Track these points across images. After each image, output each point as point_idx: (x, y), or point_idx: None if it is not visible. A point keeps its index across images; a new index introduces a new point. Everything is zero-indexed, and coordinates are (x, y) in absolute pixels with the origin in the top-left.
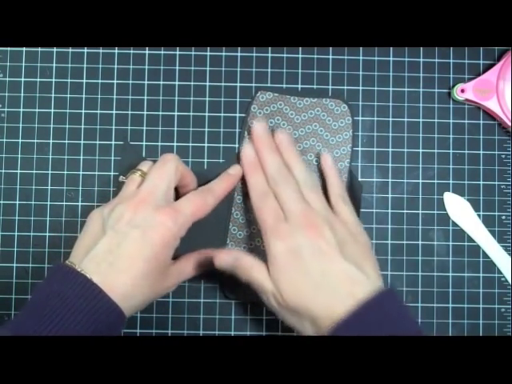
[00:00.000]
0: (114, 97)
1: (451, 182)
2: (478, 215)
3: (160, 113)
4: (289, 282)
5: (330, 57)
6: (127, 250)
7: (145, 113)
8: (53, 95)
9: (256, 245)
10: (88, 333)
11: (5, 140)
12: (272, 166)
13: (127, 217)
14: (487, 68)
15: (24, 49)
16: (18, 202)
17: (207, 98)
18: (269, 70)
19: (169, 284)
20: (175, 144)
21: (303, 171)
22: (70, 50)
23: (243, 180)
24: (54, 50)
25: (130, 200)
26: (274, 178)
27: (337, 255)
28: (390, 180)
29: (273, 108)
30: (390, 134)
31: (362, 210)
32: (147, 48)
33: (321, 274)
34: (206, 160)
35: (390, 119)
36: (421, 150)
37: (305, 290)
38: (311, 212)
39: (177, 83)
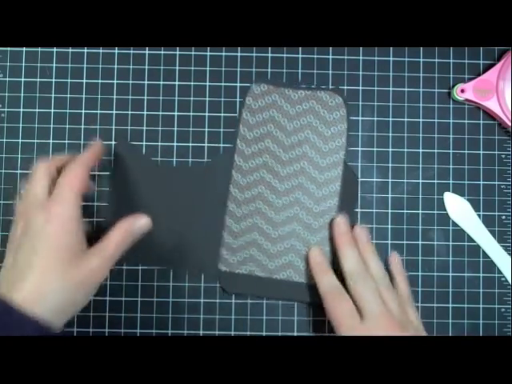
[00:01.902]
0: (114, 97)
1: (451, 181)
2: (478, 215)
3: (160, 113)
4: None
5: (330, 57)
6: (29, 260)
7: (145, 113)
8: (53, 95)
9: (253, 238)
10: None
11: (5, 140)
12: (352, 261)
13: (19, 231)
14: (487, 68)
15: (24, 49)
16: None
17: (207, 98)
18: (269, 70)
19: (93, 264)
20: (175, 144)
21: (379, 268)
22: (70, 49)
23: (238, 172)
24: (54, 50)
25: (19, 214)
26: (353, 274)
27: None
28: (389, 180)
29: (267, 100)
30: (390, 134)
31: (362, 209)
32: (147, 48)
33: None
34: (205, 160)
35: (390, 119)
36: (421, 150)
37: None
38: (390, 315)
39: (177, 83)
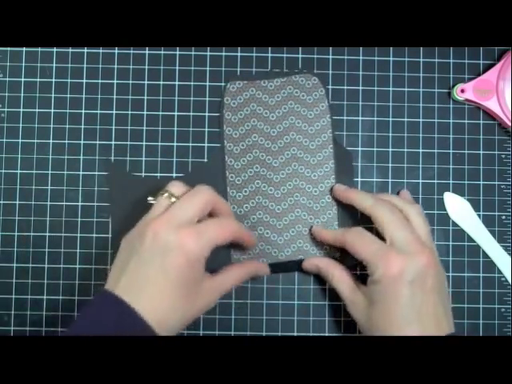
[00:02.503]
0: (114, 97)
1: (451, 181)
2: (478, 215)
3: (160, 113)
4: (382, 308)
5: (330, 57)
6: (151, 277)
7: (145, 113)
8: (53, 95)
9: (259, 233)
10: None
11: (5, 140)
12: (370, 199)
13: (148, 241)
14: (487, 68)
15: (24, 49)
16: (18, 202)
17: (207, 98)
18: (269, 70)
19: (208, 299)
20: (175, 144)
21: (399, 198)
22: (70, 49)
23: (232, 172)
24: (54, 50)
25: (153, 222)
26: (377, 206)
27: (435, 295)
28: (389, 180)
29: (245, 96)
30: (390, 134)
31: None
32: (147, 48)
33: (416, 310)
34: (205, 160)
35: (390, 119)
36: (421, 150)
37: (395, 320)
38: (420, 241)
39: (177, 83)
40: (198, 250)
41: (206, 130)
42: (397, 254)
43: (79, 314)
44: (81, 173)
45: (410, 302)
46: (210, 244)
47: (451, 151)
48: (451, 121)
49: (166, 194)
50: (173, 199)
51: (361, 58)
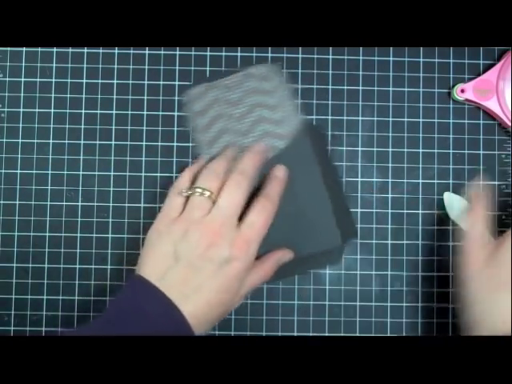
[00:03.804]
0: (114, 97)
1: (451, 181)
2: None
3: (160, 113)
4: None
5: (330, 57)
6: (202, 284)
7: (145, 113)
8: (53, 95)
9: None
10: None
11: (5, 140)
12: (480, 227)
13: (201, 249)
14: (487, 68)
15: (24, 49)
16: (18, 202)
17: None
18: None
19: (238, 299)
20: (175, 144)
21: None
22: (70, 49)
23: None
24: (54, 50)
25: (204, 229)
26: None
27: None
28: (390, 180)
29: (210, 97)
30: (390, 134)
31: (362, 210)
32: (147, 48)
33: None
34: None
35: (390, 119)
36: (421, 150)
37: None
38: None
39: (177, 83)
40: (249, 261)
41: None
42: None
43: (117, 298)
44: (81, 173)
45: None
46: (257, 249)
47: (451, 151)
48: (451, 121)
49: (200, 191)
50: (207, 194)
51: (361, 58)
